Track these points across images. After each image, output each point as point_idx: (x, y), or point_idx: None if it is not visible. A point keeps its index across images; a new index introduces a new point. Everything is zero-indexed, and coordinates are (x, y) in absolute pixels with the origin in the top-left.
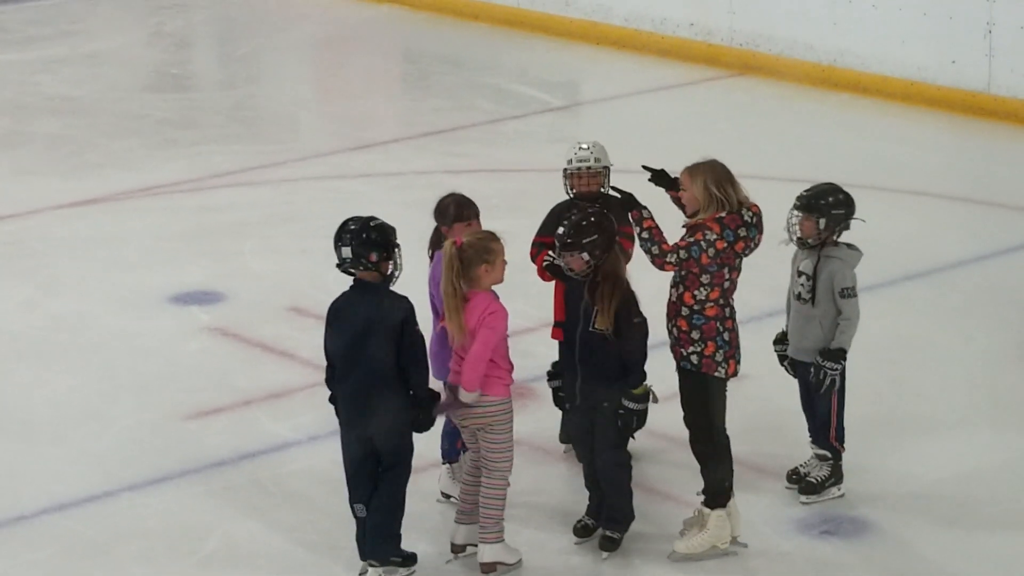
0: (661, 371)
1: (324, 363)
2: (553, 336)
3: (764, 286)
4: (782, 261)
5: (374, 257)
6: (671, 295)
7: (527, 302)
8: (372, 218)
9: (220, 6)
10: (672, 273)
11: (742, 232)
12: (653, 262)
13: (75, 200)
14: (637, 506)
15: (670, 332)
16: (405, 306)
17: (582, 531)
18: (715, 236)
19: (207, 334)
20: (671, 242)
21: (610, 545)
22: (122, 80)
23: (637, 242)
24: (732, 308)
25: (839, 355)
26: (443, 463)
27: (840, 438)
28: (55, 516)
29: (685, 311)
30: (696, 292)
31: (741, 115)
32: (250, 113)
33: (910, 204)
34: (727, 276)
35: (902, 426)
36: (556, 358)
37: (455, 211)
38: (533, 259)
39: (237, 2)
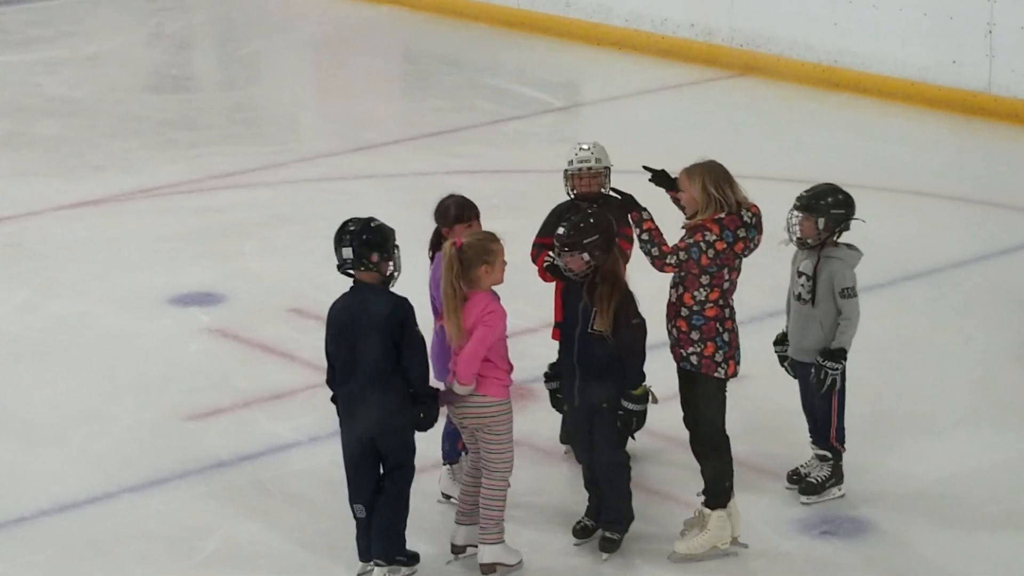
0: (661, 372)
1: (324, 364)
2: (554, 337)
3: (764, 286)
4: (782, 261)
5: (375, 258)
6: (671, 296)
7: (527, 303)
8: (371, 219)
9: (220, 7)
10: (671, 274)
11: (741, 233)
12: (653, 264)
13: (75, 201)
14: (637, 507)
15: (670, 333)
16: (405, 306)
17: (581, 532)
18: (714, 237)
19: (207, 335)
20: (671, 243)
21: (610, 546)
22: (122, 81)
23: (636, 243)
24: (732, 309)
25: (840, 355)
26: (444, 464)
27: (840, 438)
28: (55, 517)
29: (685, 312)
30: (696, 293)
31: (741, 115)
32: (250, 114)
33: (910, 204)
34: (727, 277)
35: (902, 426)
36: (556, 359)
37: (455, 212)
38: (534, 260)
39: (237, 3)
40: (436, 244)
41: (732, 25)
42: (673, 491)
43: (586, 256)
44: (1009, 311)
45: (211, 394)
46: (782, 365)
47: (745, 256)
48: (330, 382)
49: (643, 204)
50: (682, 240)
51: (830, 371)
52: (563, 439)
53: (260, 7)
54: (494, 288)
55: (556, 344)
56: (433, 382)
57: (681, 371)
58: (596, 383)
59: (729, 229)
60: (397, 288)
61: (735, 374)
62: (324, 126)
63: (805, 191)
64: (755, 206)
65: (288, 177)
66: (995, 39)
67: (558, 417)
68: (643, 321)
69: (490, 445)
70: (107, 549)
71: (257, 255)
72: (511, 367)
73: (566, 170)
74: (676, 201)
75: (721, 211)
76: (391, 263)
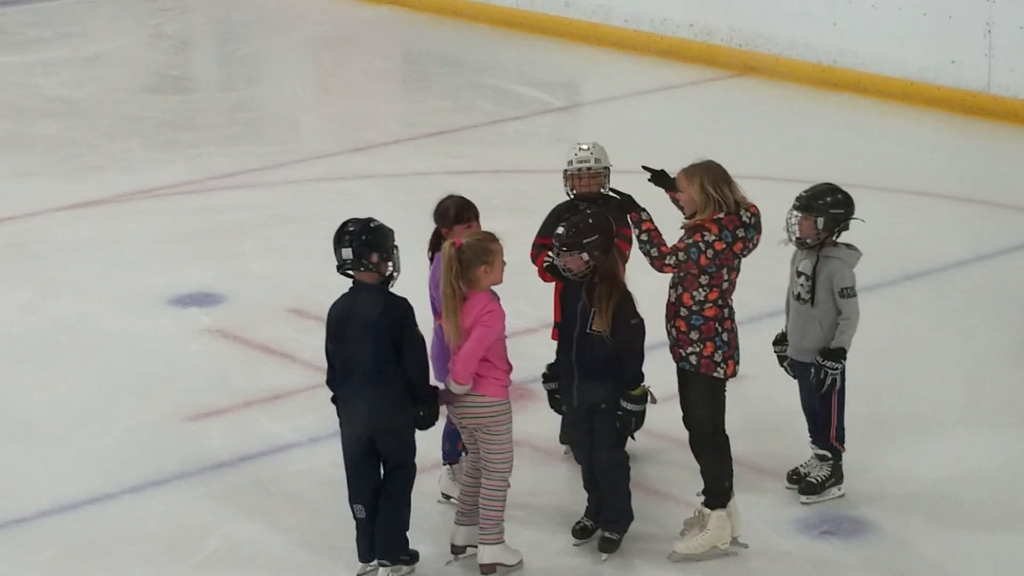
0: (660, 371)
1: (324, 364)
2: (553, 337)
3: (764, 286)
4: (782, 261)
5: (374, 258)
6: (670, 296)
7: (527, 303)
8: (371, 219)
9: (220, 7)
10: (670, 274)
11: (740, 233)
12: (652, 264)
13: (75, 202)
14: (637, 507)
15: (669, 333)
16: (404, 306)
17: (581, 532)
18: (713, 237)
19: (207, 335)
20: (670, 244)
21: (609, 546)
22: (122, 82)
23: (635, 244)
24: (731, 308)
25: (839, 355)
26: (444, 464)
27: (840, 438)
28: (55, 517)
29: (684, 312)
30: (695, 293)
31: (741, 115)
32: (250, 114)
33: (910, 204)
34: (726, 277)
35: (902, 426)
36: (554, 359)
37: (455, 213)
38: (533, 260)
39: (237, 3)
40: (436, 245)
41: (731, 25)
42: (673, 491)
43: (585, 256)
44: (1009, 311)
45: (211, 394)
46: (781, 365)
47: (744, 256)
48: (330, 383)
49: (642, 204)
50: (681, 240)
51: (830, 371)
52: (563, 439)
53: (260, 7)
54: (494, 288)
55: (556, 344)
56: (433, 382)
57: (680, 371)
58: (595, 383)
59: (728, 229)
60: (397, 288)
61: (734, 374)
62: (324, 126)
63: (804, 191)
64: (754, 206)
65: (288, 177)
66: (994, 39)
67: (558, 417)
68: (642, 321)
69: (490, 445)
70: (107, 550)
71: (257, 255)
72: (510, 367)
73: (566, 170)
74: (675, 201)
75: (720, 211)
76: (390, 263)
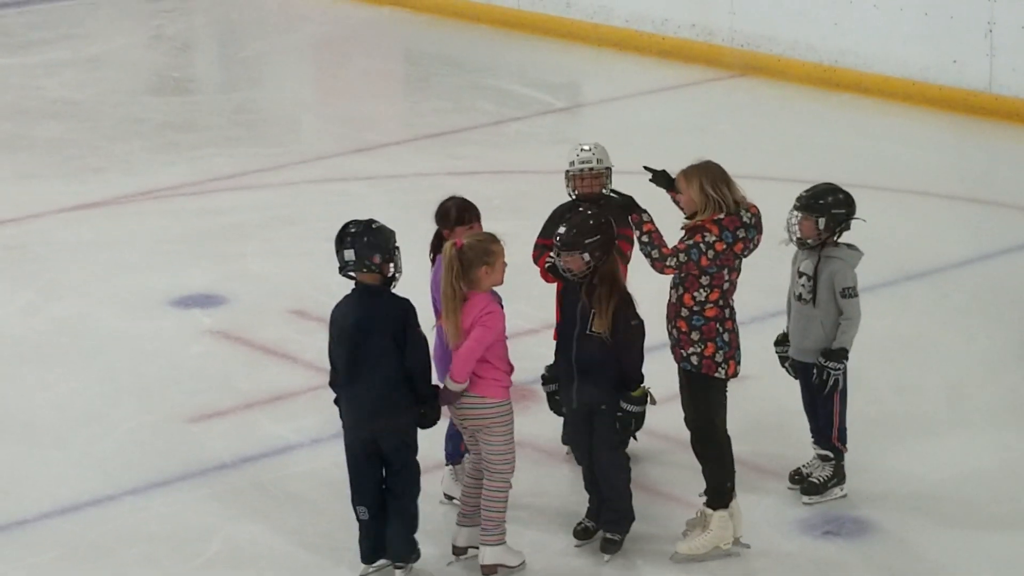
0: (661, 372)
1: (326, 365)
2: (555, 338)
3: (765, 286)
4: (783, 261)
5: (377, 259)
6: (671, 296)
7: (529, 304)
8: (372, 220)
9: (221, 9)
10: (671, 275)
11: (741, 233)
12: (653, 266)
13: (77, 203)
14: (639, 507)
15: (670, 333)
16: (407, 307)
17: (582, 533)
18: (714, 238)
19: (209, 337)
20: (671, 245)
21: (611, 547)
22: (123, 83)
23: (636, 245)
24: (732, 309)
25: (841, 355)
26: (446, 465)
27: (842, 438)
28: (57, 519)
29: (685, 312)
30: (696, 293)
31: (742, 116)
32: (251, 116)
33: (911, 204)
34: (726, 277)
35: (904, 426)
36: (553, 361)
37: (456, 214)
38: (535, 261)
39: (238, 5)
40: (437, 246)
41: (733, 25)
42: (675, 492)
43: (586, 256)
44: (1010, 311)
45: (213, 396)
46: (783, 366)
47: (745, 256)
48: (333, 384)
49: (643, 206)
50: (681, 241)
51: (832, 372)
52: (565, 440)
53: (261, 8)
54: (496, 290)
55: (554, 345)
56: (435, 382)
57: (682, 371)
58: (594, 385)
59: (728, 230)
60: (398, 290)
61: (735, 374)
62: (325, 127)
63: (805, 191)
64: (754, 206)
65: (289, 178)
66: (995, 38)
67: (560, 418)
68: (641, 322)
69: (491, 446)
70: (109, 551)
71: (258, 257)
72: (511, 368)
73: (567, 171)
74: (677, 202)
75: (720, 212)
76: (392, 264)
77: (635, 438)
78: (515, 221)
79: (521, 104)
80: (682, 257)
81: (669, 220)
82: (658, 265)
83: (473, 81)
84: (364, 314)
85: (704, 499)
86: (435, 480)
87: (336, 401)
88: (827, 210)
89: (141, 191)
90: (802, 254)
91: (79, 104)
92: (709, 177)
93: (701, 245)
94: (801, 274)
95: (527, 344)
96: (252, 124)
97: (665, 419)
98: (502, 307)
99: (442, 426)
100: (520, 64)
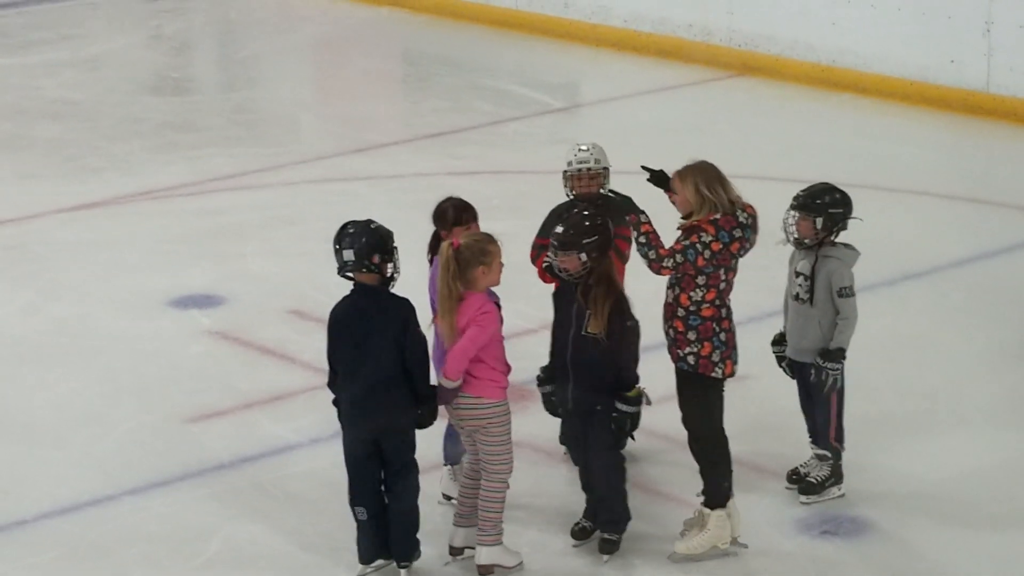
0: (658, 372)
1: (325, 365)
2: None
3: (765, 286)
4: (781, 261)
5: (376, 259)
6: (667, 296)
7: (527, 303)
8: (370, 221)
9: (220, 9)
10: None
11: (737, 233)
12: (650, 267)
13: (76, 204)
14: (637, 507)
15: (667, 333)
16: (407, 306)
17: (580, 533)
18: (711, 238)
19: (208, 337)
20: (667, 246)
21: (609, 547)
22: (122, 83)
23: (634, 245)
24: (728, 308)
25: (839, 355)
26: (444, 465)
27: (840, 438)
28: (56, 520)
29: (681, 312)
30: (692, 293)
31: (741, 116)
32: (250, 116)
33: (910, 203)
34: (723, 277)
35: (902, 425)
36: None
37: (454, 215)
38: (533, 261)
39: (237, 5)
40: (435, 247)
41: (731, 25)
42: (672, 491)
43: (583, 257)
44: (1009, 310)
45: (212, 396)
46: (780, 365)
47: (741, 256)
48: (331, 385)
49: (642, 206)
50: (678, 242)
51: (831, 371)
52: (563, 440)
53: (260, 8)
54: (495, 290)
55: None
56: (432, 382)
57: (678, 371)
58: (590, 386)
59: (725, 230)
60: (396, 290)
61: (732, 374)
62: (324, 127)
63: (802, 191)
64: (751, 206)
65: (288, 179)
66: (993, 38)
67: (557, 418)
68: (637, 323)
69: (488, 447)
70: (108, 551)
71: (257, 257)
72: (508, 369)
73: (565, 171)
74: (674, 202)
75: (716, 212)
76: (391, 264)
77: (633, 438)
78: (513, 221)
79: (519, 104)
80: (679, 258)
81: (667, 220)
82: (655, 266)
83: (472, 81)
84: (364, 314)
85: (702, 499)
86: (433, 480)
87: (335, 402)
88: (824, 210)
89: (140, 191)
90: (799, 254)
91: (78, 104)
92: (704, 177)
93: (698, 245)
94: (798, 274)
95: (526, 344)
96: (251, 124)
97: (663, 419)
98: (500, 307)
99: (440, 426)
100: (518, 64)
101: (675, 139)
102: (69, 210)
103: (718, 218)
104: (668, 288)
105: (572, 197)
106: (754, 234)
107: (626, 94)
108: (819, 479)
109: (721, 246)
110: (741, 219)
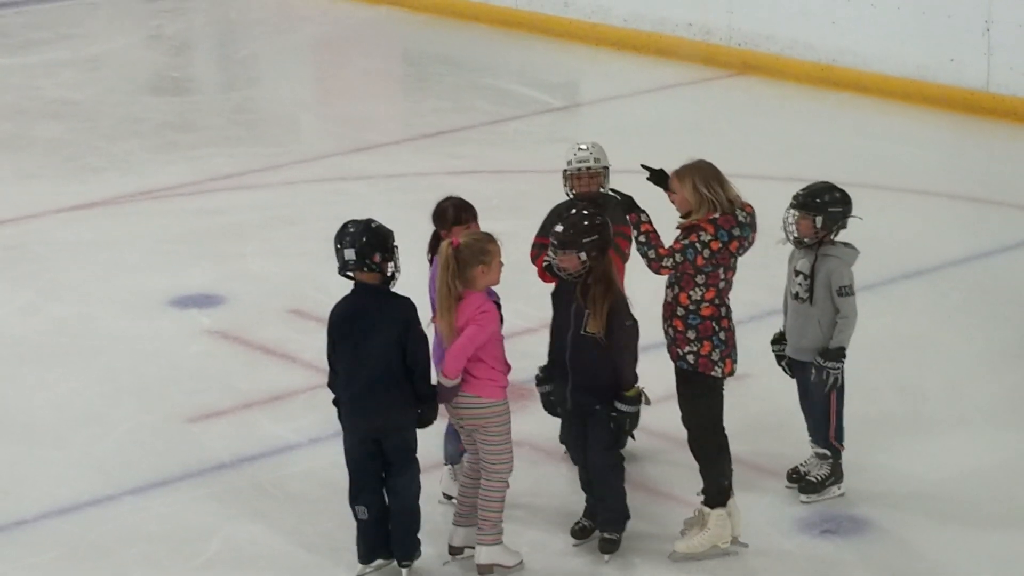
0: (658, 371)
1: (325, 365)
2: None
3: (765, 285)
4: (781, 260)
5: (377, 258)
6: (667, 295)
7: (527, 303)
8: (371, 220)
9: (219, 9)
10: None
11: (736, 232)
12: (649, 266)
13: (76, 204)
14: (638, 507)
15: (666, 332)
16: (409, 305)
17: (580, 533)
18: (710, 237)
19: (208, 337)
20: (667, 246)
21: (610, 547)
22: (122, 83)
23: (634, 244)
24: (728, 307)
25: (839, 354)
26: (445, 464)
27: (840, 437)
28: (56, 520)
29: (681, 311)
30: (691, 292)
31: (740, 115)
32: (250, 115)
33: (910, 203)
34: (722, 276)
35: (902, 425)
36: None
37: (453, 214)
38: (533, 260)
39: (236, 5)
40: (435, 246)
41: (730, 24)
42: (673, 490)
43: (582, 256)
44: (1009, 309)
45: (212, 396)
46: (779, 364)
47: (740, 255)
48: (332, 386)
49: (642, 206)
50: (677, 241)
51: (832, 371)
52: (563, 439)
53: (260, 8)
54: (495, 290)
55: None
56: (433, 381)
57: (678, 370)
58: (589, 386)
59: (724, 229)
60: (397, 290)
61: (732, 373)
62: (324, 127)
63: (802, 190)
64: (749, 205)
65: (288, 178)
66: (993, 37)
67: (557, 418)
68: (635, 323)
69: (488, 446)
70: (108, 551)
71: (257, 256)
72: (508, 368)
73: (565, 170)
74: (674, 201)
75: (715, 211)
76: (392, 263)
77: (633, 437)
78: (513, 220)
79: (519, 103)
80: (678, 257)
81: (667, 220)
82: (654, 265)
83: (471, 80)
84: (366, 313)
85: (702, 498)
86: (434, 480)
87: (335, 402)
88: (824, 209)
89: (140, 191)
90: (799, 253)
91: (78, 104)
92: (702, 176)
93: (697, 244)
94: (798, 273)
95: (526, 343)
96: (251, 124)
97: (663, 418)
98: (500, 307)
99: (441, 425)
100: (518, 63)
101: (675, 138)
102: (69, 210)
103: (717, 217)
104: (667, 287)
105: (572, 196)
106: (753, 233)
107: (626, 93)
108: (819, 478)
109: (720, 245)
110: (740, 218)
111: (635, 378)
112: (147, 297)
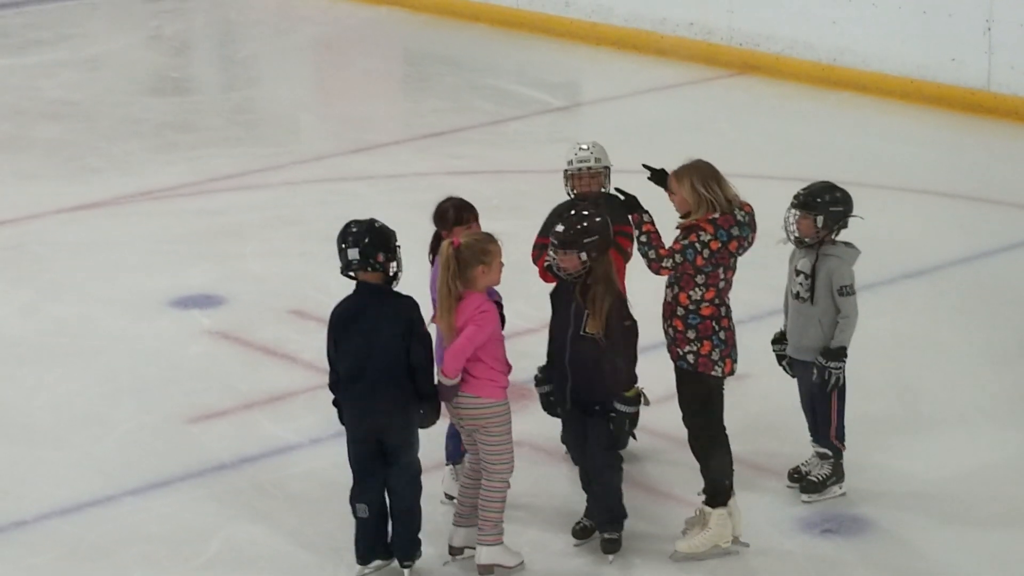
0: (658, 371)
1: (326, 365)
2: None
3: (765, 284)
4: (782, 259)
5: (380, 258)
6: (667, 295)
7: (528, 303)
8: (373, 220)
9: (219, 9)
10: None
11: (735, 232)
12: (649, 266)
13: (76, 204)
14: (638, 506)
15: (666, 332)
16: (412, 304)
17: (581, 533)
18: (709, 237)
19: (208, 337)
20: (668, 246)
21: (612, 547)
22: (122, 84)
23: (635, 244)
24: (728, 307)
25: (840, 354)
26: (447, 464)
27: (841, 436)
28: (56, 520)
29: (681, 311)
30: (691, 292)
31: (741, 114)
32: (250, 116)
33: (910, 202)
34: (722, 276)
35: (903, 424)
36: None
37: (454, 215)
38: (534, 260)
39: (236, 5)
40: (436, 247)
41: (731, 24)
42: (674, 490)
43: (583, 256)
44: (1009, 308)
45: (212, 396)
46: (780, 364)
47: (740, 255)
48: (332, 386)
49: (644, 206)
50: (676, 241)
51: (833, 371)
52: (564, 439)
53: (259, 9)
54: (496, 290)
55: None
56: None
57: (678, 370)
58: (588, 386)
59: (723, 229)
60: (398, 290)
61: (732, 372)
62: (324, 127)
63: (802, 189)
64: (748, 204)
65: (288, 178)
66: (994, 36)
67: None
68: (635, 323)
69: (488, 446)
70: (108, 552)
71: (257, 257)
72: (509, 368)
73: (566, 170)
74: (674, 202)
75: (714, 210)
76: (394, 263)
77: (635, 437)
78: (514, 220)
79: (520, 103)
80: (678, 258)
81: (668, 220)
82: (654, 266)
83: (472, 80)
84: (369, 312)
85: (703, 498)
86: (435, 480)
87: (335, 402)
88: (825, 208)
89: (140, 191)
90: (799, 252)
91: (78, 105)
92: (700, 176)
93: (696, 244)
94: (799, 272)
95: (526, 343)
96: (251, 124)
97: (663, 418)
98: (501, 307)
99: (442, 425)
100: (519, 63)
101: (675, 138)
102: (69, 210)
103: (716, 217)
104: (667, 287)
105: (573, 196)
106: (752, 232)
107: (626, 93)
108: (820, 478)
109: (720, 245)
110: (739, 217)
111: (634, 378)
112: (147, 297)
